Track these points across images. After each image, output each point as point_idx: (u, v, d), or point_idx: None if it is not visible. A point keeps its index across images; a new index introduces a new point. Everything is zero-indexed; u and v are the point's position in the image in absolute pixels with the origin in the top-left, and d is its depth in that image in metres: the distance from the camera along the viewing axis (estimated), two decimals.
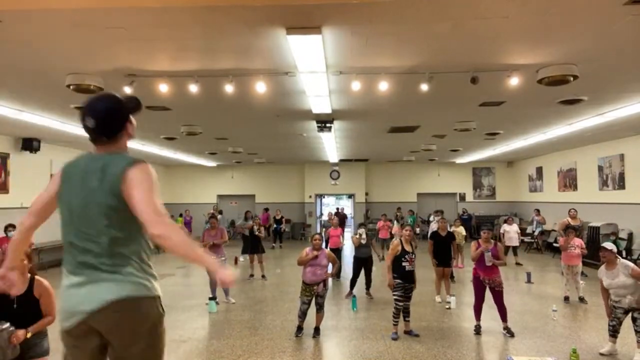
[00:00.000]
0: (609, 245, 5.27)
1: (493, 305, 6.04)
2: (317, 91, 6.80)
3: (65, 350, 2.13)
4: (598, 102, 7.83)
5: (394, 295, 5.94)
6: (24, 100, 7.36)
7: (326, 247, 8.78)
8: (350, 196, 21.18)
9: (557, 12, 4.14)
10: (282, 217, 17.03)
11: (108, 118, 2.10)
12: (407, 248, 6.02)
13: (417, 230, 15.92)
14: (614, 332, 5.15)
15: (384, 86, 6.15)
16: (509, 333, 5.88)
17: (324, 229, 12.69)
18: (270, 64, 5.58)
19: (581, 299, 7.65)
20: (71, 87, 5.99)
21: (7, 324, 3.00)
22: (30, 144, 11.18)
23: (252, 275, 10.23)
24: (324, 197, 23.30)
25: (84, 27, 4.39)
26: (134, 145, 12.20)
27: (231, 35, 4.64)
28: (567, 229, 8.33)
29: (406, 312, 6.00)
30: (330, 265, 6.09)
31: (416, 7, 4.04)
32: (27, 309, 3.13)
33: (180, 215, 17.40)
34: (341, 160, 18.37)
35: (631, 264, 5.07)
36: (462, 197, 20.26)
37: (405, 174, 20.03)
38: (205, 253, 2.09)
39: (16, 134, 10.71)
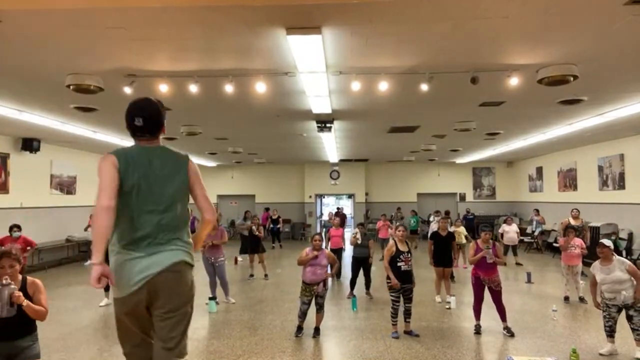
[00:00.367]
0: (606, 241, 5.39)
1: (493, 305, 6.04)
2: (317, 91, 6.80)
3: (119, 318, 2.51)
4: (598, 102, 7.83)
5: (391, 296, 5.93)
6: (24, 100, 7.36)
7: (326, 247, 8.77)
8: (350, 196, 21.17)
9: (557, 12, 4.14)
10: (278, 217, 16.89)
11: (154, 118, 2.61)
12: (402, 248, 5.94)
13: (418, 230, 15.85)
14: (611, 332, 5.18)
15: (384, 86, 6.15)
16: (509, 333, 5.88)
17: (324, 229, 12.66)
18: (270, 64, 5.58)
19: (581, 299, 7.65)
20: (71, 87, 5.99)
21: (12, 284, 3.05)
22: (30, 144, 11.17)
23: (252, 275, 10.23)
24: (324, 197, 23.28)
25: (84, 27, 4.39)
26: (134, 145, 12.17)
27: (231, 35, 4.64)
28: (567, 228, 8.33)
29: (407, 314, 5.96)
30: (329, 266, 6.07)
31: (416, 7, 4.04)
32: (22, 308, 3.16)
33: None
34: (341, 160, 18.36)
35: (627, 261, 5.19)
36: (462, 197, 20.26)
37: (405, 174, 20.02)
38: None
39: (16, 134, 10.70)
